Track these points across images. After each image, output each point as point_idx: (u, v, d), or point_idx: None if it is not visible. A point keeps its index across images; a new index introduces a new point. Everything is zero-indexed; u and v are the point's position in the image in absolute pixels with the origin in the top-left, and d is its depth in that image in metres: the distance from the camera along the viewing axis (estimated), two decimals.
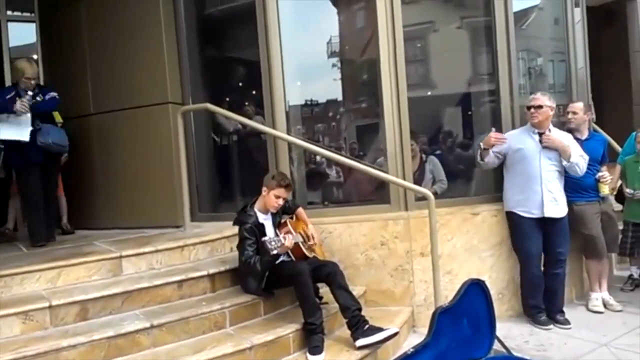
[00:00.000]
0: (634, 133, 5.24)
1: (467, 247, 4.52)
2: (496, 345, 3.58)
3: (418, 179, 4.89)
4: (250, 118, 5.09)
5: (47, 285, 3.60)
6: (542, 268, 4.46)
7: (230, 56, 5.93)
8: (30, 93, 4.52)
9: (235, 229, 3.88)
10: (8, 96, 4.54)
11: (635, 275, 5.27)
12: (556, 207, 4.34)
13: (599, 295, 4.74)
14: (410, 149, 4.62)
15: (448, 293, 4.06)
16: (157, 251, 4.03)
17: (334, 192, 5.60)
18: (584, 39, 5.82)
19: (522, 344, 4.07)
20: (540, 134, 4.34)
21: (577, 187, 4.54)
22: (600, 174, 4.62)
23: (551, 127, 4.43)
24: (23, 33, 6.52)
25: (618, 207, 5.19)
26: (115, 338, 3.16)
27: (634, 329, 4.20)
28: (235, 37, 5.69)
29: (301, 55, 5.28)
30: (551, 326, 4.36)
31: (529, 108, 4.42)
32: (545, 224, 4.36)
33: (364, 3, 5.19)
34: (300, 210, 4.20)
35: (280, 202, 3.85)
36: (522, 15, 5.46)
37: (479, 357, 3.45)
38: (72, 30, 5.58)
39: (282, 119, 4.79)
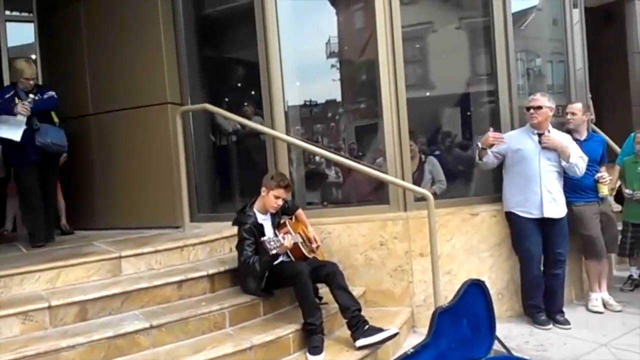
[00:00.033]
0: (632, 134, 5.25)
1: (466, 248, 4.52)
2: (496, 346, 3.58)
3: (417, 180, 4.90)
4: (249, 118, 5.09)
5: (46, 285, 3.59)
6: (542, 268, 4.46)
7: (229, 56, 5.93)
8: (32, 96, 4.52)
9: (235, 230, 3.87)
10: (7, 95, 4.54)
11: (635, 276, 5.28)
12: (555, 207, 4.34)
13: (599, 296, 4.75)
14: (409, 149, 4.63)
15: (447, 293, 4.07)
16: (156, 251, 4.03)
17: (333, 192, 5.59)
18: (583, 40, 5.82)
19: (522, 344, 4.07)
20: (540, 135, 4.34)
21: (576, 188, 4.55)
22: (599, 174, 4.62)
23: (550, 127, 4.44)
24: (21, 33, 6.52)
25: (617, 207, 5.20)
26: (115, 338, 3.15)
27: (634, 329, 4.20)
28: (234, 38, 5.69)
29: (300, 56, 5.28)
30: (551, 326, 4.36)
31: (528, 109, 4.42)
32: (545, 224, 4.36)
33: (362, 3, 5.19)
34: (299, 211, 4.19)
35: (280, 202, 3.84)
36: (520, 15, 5.47)
37: (479, 357, 3.45)
38: (71, 31, 5.57)
39: (281, 119, 4.79)
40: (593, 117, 6.93)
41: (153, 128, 5.12)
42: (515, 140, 4.45)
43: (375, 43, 4.62)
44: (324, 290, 3.84)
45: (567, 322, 4.38)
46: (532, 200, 4.33)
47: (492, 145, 4.41)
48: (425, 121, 5.55)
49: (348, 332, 3.57)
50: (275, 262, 3.72)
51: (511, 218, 4.48)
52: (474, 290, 3.55)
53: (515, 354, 3.69)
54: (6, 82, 5.70)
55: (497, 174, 4.70)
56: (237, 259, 3.81)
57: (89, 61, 5.46)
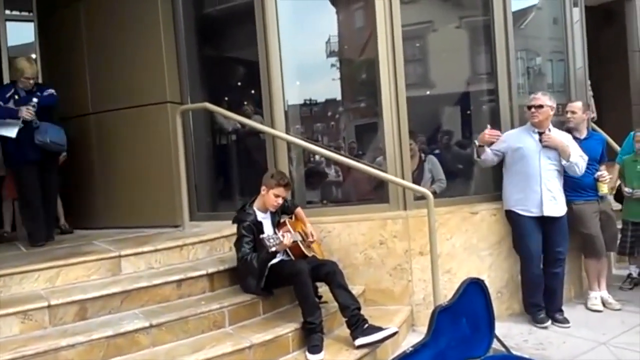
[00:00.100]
0: (632, 132, 5.25)
1: (466, 246, 4.52)
2: (495, 344, 3.58)
3: (417, 178, 4.89)
4: (249, 117, 5.09)
5: (46, 284, 3.59)
6: (542, 267, 4.46)
7: (228, 56, 5.93)
8: (35, 100, 4.51)
9: (234, 228, 3.87)
10: (7, 95, 4.54)
11: (634, 274, 5.28)
12: (555, 206, 4.34)
13: (598, 294, 4.75)
14: (409, 148, 4.62)
15: (447, 292, 4.07)
16: (156, 250, 4.03)
17: (333, 191, 5.59)
18: (583, 39, 5.81)
19: (521, 342, 4.08)
20: (540, 134, 4.34)
21: (576, 187, 4.55)
22: (599, 173, 4.62)
23: (551, 126, 4.44)
24: (21, 32, 6.52)
25: (617, 206, 5.20)
26: (114, 337, 3.16)
27: (633, 327, 4.20)
28: (234, 37, 5.69)
29: (300, 55, 5.28)
30: (551, 324, 4.36)
31: (529, 108, 4.42)
32: (545, 223, 4.37)
33: (362, 2, 5.18)
34: (299, 210, 4.20)
35: (280, 201, 3.85)
36: (520, 14, 5.47)
37: (478, 355, 3.45)
38: (71, 30, 5.57)
39: (281, 118, 4.79)
40: (594, 115, 6.94)
41: (153, 127, 5.12)
42: (516, 139, 4.46)
43: (375, 42, 4.62)
44: (323, 289, 3.85)
45: (566, 321, 4.38)
46: (532, 198, 4.33)
47: (491, 144, 4.41)
48: (425, 120, 5.55)
49: (347, 331, 3.58)
50: (275, 261, 3.73)
51: (511, 216, 4.48)
52: (474, 289, 3.55)
53: (514, 352, 3.69)
54: (6, 82, 5.70)
55: (497, 172, 4.70)
56: (236, 258, 3.81)
57: (88, 60, 5.46)
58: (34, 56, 6.08)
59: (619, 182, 5.21)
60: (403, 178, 4.50)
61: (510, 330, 4.26)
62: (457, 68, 5.49)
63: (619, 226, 5.05)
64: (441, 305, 3.38)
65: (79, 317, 3.35)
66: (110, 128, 5.35)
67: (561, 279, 4.51)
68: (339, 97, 5.82)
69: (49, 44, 6.10)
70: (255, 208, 3.85)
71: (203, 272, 3.84)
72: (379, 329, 3.55)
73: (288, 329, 3.53)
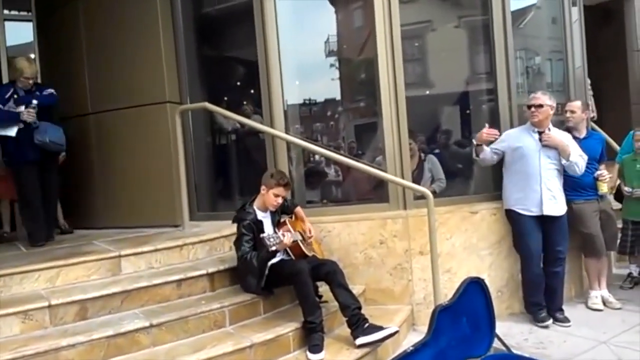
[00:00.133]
0: (631, 132, 5.26)
1: (466, 246, 4.52)
2: (496, 343, 3.59)
3: (417, 178, 4.90)
4: (248, 117, 5.09)
5: (46, 284, 3.59)
6: (542, 266, 4.46)
7: (228, 55, 5.92)
8: (35, 102, 4.50)
9: (234, 228, 3.87)
10: (6, 95, 4.54)
11: (635, 273, 5.28)
12: (555, 205, 4.35)
13: (599, 293, 4.75)
14: (408, 147, 4.62)
15: (447, 291, 4.07)
16: (156, 250, 4.03)
17: (333, 191, 5.59)
18: (582, 38, 5.82)
19: (522, 341, 4.08)
20: (540, 133, 4.34)
21: (575, 186, 4.55)
22: (598, 172, 4.62)
23: (551, 126, 4.44)
24: (20, 32, 6.52)
25: (617, 205, 5.20)
26: (115, 337, 3.16)
27: (633, 326, 4.21)
28: (233, 36, 5.69)
29: (299, 55, 5.28)
30: (551, 323, 4.35)
31: (529, 107, 4.42)
32: (545, 222, 4.37)
33: (361, 2, 5.18)
34: (298, 209, 4.20)
35: (280, 200, 3.85)
36: (519, 14, 5.47)
37: (479, 355, 3.45)
38: (70, 30, 5.57)
39: (281, 118, 4.79)
40: (595, 114, 6.94)
41: (152, 127, 5.12)
42: (516, 138, 4.46)
43: (375, 41, 4.62)
44: (323, 288, 3.85)
45: (566, 320, 4.38)
46: (532, 197, 4.34)
47: (491, 142, 4.42)
48: (424, 120, 5.55)
49: (348, 331, 3.58)
50: (275, 261, 3.73)
51: (511, 216, 4.48)
52: (474, 289, 3.55)
53: (515, 351, 3.69)
54: (5, 82, 5.69)
55: (497, 172, 4.70)
56: (236, 257, 3.81)
57: (88, 60, 5.46)
58: (33, 56, 6.07)
59: (618, 181, 5.22)
60: (403, 177, 4.50)
61: (510, 330, 4.26)
62: (456, 67, 5.50)
63: (619, 225, 5.05)
64: (441, 305, 3.38)
65: (79, 317, 3.35)
66: (109, 128, 5.35)
67: (561, 278, 4.51)
68: (338, 97, 5.82)
69: (48, 44, 6.10)
70: (255, 207, 3.85)
71: (203, 271, 3.84)
72: (380, 328, 3.55)
73: (289, 329, 3.53)
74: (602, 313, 4.61)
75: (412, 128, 4.77)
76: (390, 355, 3.64)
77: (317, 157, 5.46)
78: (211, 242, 4.34)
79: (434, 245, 4.04)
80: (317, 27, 5.47)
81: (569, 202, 4.50)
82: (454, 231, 4.49)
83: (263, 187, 3.84)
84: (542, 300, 4.43)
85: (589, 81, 6.62)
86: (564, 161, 4.31)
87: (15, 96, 4.55)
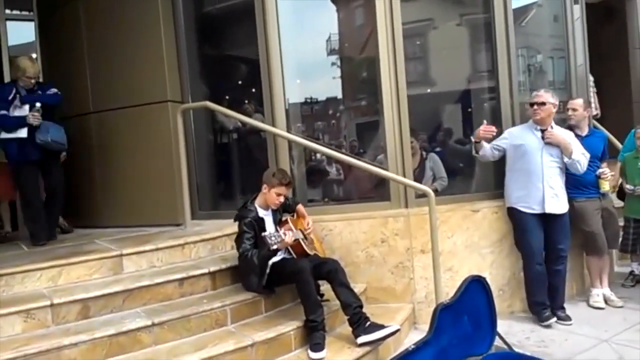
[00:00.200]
0: (633, 130, 5.25)
1: (467, 244, 4.52)
2: (497, 342, 3.58)
3: (418, 176, 4.90)
4: (250, 116, 5.09)
5: (48, 283, 3.59)
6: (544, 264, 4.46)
7: (229, 54, 5.93)
8: (38, 104, 4.51)
9: (236, 227, 3.86)
10: (9, 97, 4.54)
11: (636, 271, 5.27)
12: (557, 203, 4.34)
13: (600, 292, 4.75)
14: (410, 146, 4.62)
15: (449, 290, 4.07)
16: (157, 249, 4.03)
17: (334, 189, 5.60)
18: (584, 36, 5.81)
19: (523, 340, 4.08)
20: (543, 131, 4.33)
21: (577, 184, 4.54)
22: (600, 170, 4.62)
23: (553, 124, 4.43)
24: (22, 32, 6.53)
25: (619, 203, 5.19)
26: (117, 336, 3.16)
27: (635, 324, 4.20)
28: (234, 35, 5.69)
29: (300, 53, 5.29)
30: (554, 321, 4.33)
31: (531, 105, 4.41)
32: (546, 220, 4.36)
33: (362, 0, 5.19)
34: (299, 206, 4.20)
35: (281, 199, 3.85)
36: (521, 12, 5.47)
37: (480, 353, 3.44)
38: (71, 29, 5.58)
39: (282, 116, 4.78)
40: (598, 112, 6.93)
41: (154, 126, 5.12)
42: (518, 136, 4.45)
43: (376, 40, 4.61)
44: (325, 287, 3.85)
45: (568, 318, 4.38)
46: (534, 195, 4.33)
47: (491, 140, 4.41)
48: (426, 118, 5.55)
49: (349, 329, 3.58)
50: (277, 260, 3.73)
51: (513, 214, 4.48)
52: (475, 287, 3.55)
53: (516, 350, 3.68)
54: (7, 81, 5.70)
55: (498, 170, 4.70)
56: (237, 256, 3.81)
57: (89, 59, 5.46)
58: (34, 55, 6.08)
59: (620, 179, 5.21)
60: (404, 176, 4.50)
61: (511, 328, 4.26)
62: (457, 66, 5.50)
63: (621, 223, 5.05)
64: (443, 303, 3.38)
65: (81, 315, 3.35)
66: (111, 127, 5.35)
67: (563, 276, 4.50)
68: (339, 96, 5.83)
69: (49, 44, 6.10)
70: (256, 205, 3.85)
71: (205, 270, 3.84)
72: (381, 326, 3.56)
73: (290, 327, 3.53)
74: (603, 311, 4.61)
75: (414, 126, 4.78)
76: (391, 353, 3.64)
77: (318, 155, 5.47)
78: (213, 240, 4.34)
79: (436, 244, 4.05)
80: (319, 26, 5.47)
81: (570, 200, 4.50)
82: (455, 229, 4.49)
83: (265, 185, 3.84)
84: (546, 300, 4.41)
85: (592, 78, 6.62)
86: (566, 159, 4.31)
87: (18, 96, 4.55)
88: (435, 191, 4.49)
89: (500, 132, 4.67)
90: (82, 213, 5.61)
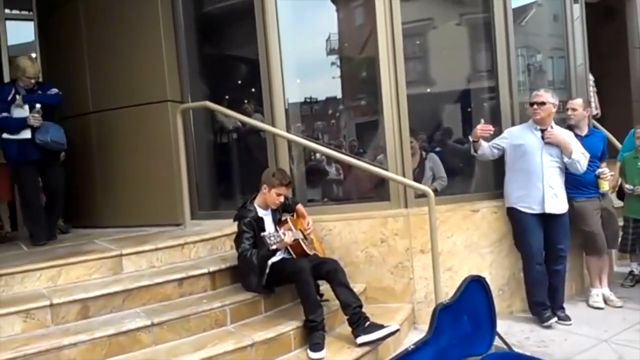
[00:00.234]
0: (633, 130, 5.25)
1: (467, 244, 4.52)
2: (497, 342, 3.58)
3: (418, 176, 4.91)
4: (249, 116, 5.10)
5: (47, 283, 3.59)
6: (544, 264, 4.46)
7: (229, 54, 5.93)
8: (38, 106, 4.51)
9: (236, 227, 3.86)
10: (9, 97, 4.54)
11: (636, 272, 5.28)
12: (557, 203, 4.34)
13: (600, 291, 4.75)
14: (409, 146, 4.62)
15: (448, 290, 4.08)
16: (157, 249, 4.03)
17: (334, 189, 5.60)
18: (583, 36, 5.81)
19: (523, 340, 4.08)
20: (543, 130, 4.33)
21: (577, 184, 4.54)
22: (600, 170, 4.61)
23: (553, 124, 4.43)
24: (21, 31, 6.52)
25: (618, 203, 5.20)
26: (116, 336, 3.16)
27: (634, 324, 4.20)
28: (234, 35, 5.69)
29: (300, 53, 5.29)
30: (555, 322, 4.32)
31: (531, 104, 4.41)
32: (546, 220, 4.36)
33: (362, 0, 5.18)
34: (299, 206, 4.20)
35: (281, 199, 3.85)
36: (521, 11, 5.47)
37: (480, 353, 3.44)
38: (71, 29, 5.57)
39: (282, 116, 4.78)
40: (599, 112, 6.93)
41: (153, 126, 5.12)
42: (518, 136, 4.45)
43: (376, 40, 4.61)
44: (325, 287, 3.84)
45: (567, 318, 4.38)
46: (534, 195, 4.33)
47: (489, 139, 4.42)
48: (426, 118, 5.55)
49: (349, 329, 3.58)
50: (276, 260, 3.73)
51: (513, 214, 4.47)
52: (475, 287, 3.54)
53: (516, 350, 3.68)
54: (7, 81, 5.70)
55: (498, 170, 4.70)
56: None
57: (89, 59, 5.46)
58: (34, 55, 6.07)
59: (620, 180, 5.20)
60: (404, 176, 4.50)
61: (511, 328, 4.26)
62: (457, 65, 5.50)
63: (620, 223, 5.05)
64: (442, 303, 3.37)
65: (81, 315, 3.35)
66: (110, 127, 5.35)
67: (563, 276, 4.50)
68: (339, 95, 5.83)
69: (48, 43, 6.10)
70: (256, 205, 3.85)
71: (204, 270, 3.84)
72: (381, 326, 3.56)
73: (290, 327, 3.53)
74: (603, 311, 4.61)
75: (414, 126, 4.77)
76: (391, 353, 3.64)
77: (318, 155, 5.47)
78: (212, 240, 4.34)
79: (435, 244, 4.05)
80: (318, 26, 5.47)
81: (570, 199, 4.50)
82: (455, 229, 4.49)
83: (265, 186, 3.83)
84: (546, 300, 4.40)
85: (592, 78, 6.62)
86: (566, 159, 4.30)
87: (18, 96, 4.55)
88: (435, 191, 4.49)
89: (499, 132, 4.67)
90: (82, 213, 5.61)
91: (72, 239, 4.91)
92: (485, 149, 4.46)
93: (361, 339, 3.50)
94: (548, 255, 4.44)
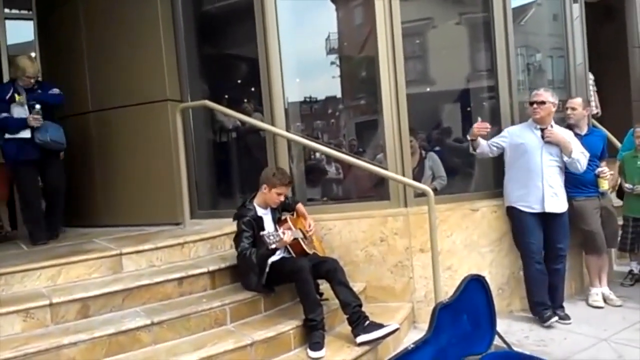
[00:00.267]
0: (632, 129, 5.25)
1: (466, 243, 4.52)
2: (496, 341, 3.59)
3: (417, 175, 4.90)
4: (249, 115, 5.09)
5: (47, 283, 3.59)
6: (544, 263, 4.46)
7: (228, 53, 5.92)
8: (38, 106, 4.51)
9: (235, 226, 3.87)
10: (7, 96, 4.54)
11: (635, 271, 5.28)
12: (557, 202, 4.34)
13: (599, 291, 4.75)
14: (409, 145, 4.62)
15: (448, 289, 4.08)
16: (157, 248, 4.03)
17: (334, 188, 5.61)
18: (583, 35, 5.81)
19: (523, 339, 4.08)
20: (542, 130, 4.33)
21: (576, 183, 4.54)
22: (599, 169, 4.61)
23: (553, 123, 4.43)
24: (21, 31, 6.52)
25: (618, 202, 5.20)
26: (116, 335, 3.16)
27: (634, 323, 4.21)
28: (234, 34, 5.68)
29: (300, 52, 5.29)
30: (555, 321, 4.31)
31: (531, 104, 4.41)
32: (546, 219, 4.36)
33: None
34: (299, 206, 4.20)
35: (282, 198, 3.86)
36: (520, 11, 5.47)
37: (480, 352, 3.45)
38: (70, 28, 5.57)
39: (281, 116, 4.78)
40: (599, 111, 6.93)
41: (153, 125, 5.12)
42: (518, 135, 4.45)
43: (375, 39, 4.61)
44: (324, 286, 3.84)
45: (567, 317, 4.38)
46: (534, 194, 4.33)
47: (488, 137, 4.43)
48: (425, 117, 5.56)
49: (349, 328, 3.58)
50: (276, 259, 3.73)
51: (512, 213, 4.47)
52: (475, 286, 3.55)
53: (515, 349, 3.69)
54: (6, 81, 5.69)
55: (497, 169, 4.70)
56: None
57: (88, 58, 5.46)
58: (33, 55, 6.07)
59: (619, 180, 5.20)
60: (403, 175, 4.50)
61: (511, 327, 4.26)
62: (457, 65, 5.50)
63: (620, 222, 5.05)
64: (442, 302, 3.38)
65: (80, 315, 3.35)
66: (110, 126, 5.35)
67: (562, 275, 4.50)
68: (339, 95, 5.83)
69: (48, 43, 6.10)
70: (255, 204, 3.85)
71: (204, 269, 3.84)
72: (380, 326, 3.56)
73: (289, 326, 3.54)
74: (602, 310, 4.61)
75: (413, 125, 4.77)
76: (390, 352, 3.65)
77: (317, 154, 5.47)
78: (212, 240, 4.34)
79: (435, 243, 4.04)
80: (318, 25, 5.47)
81: (569, 199, 4.50)
82: (454, 229, 4.49)
83: (265, 186, 3.83)
84: (547, 300, 4.39)
85: (592, 77, 6.62)
86: (565, 158, 4.31)
87: (17, 95, 4.55)
88: (435, 190, 4.48)
89: (499, 131, 4.67)
90: (81, 212, 5.60)
91: (72, 238, 4.90)
92: (484, 147, 4.46)
93: (361, 338, 3.50)
94: (547, 255, 4.44)
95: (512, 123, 4.77)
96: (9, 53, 6.24)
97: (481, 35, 5.21)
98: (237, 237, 3.73)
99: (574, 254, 4.80)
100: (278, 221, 3.94)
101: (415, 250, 4.39)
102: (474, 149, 4.49)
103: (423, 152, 5.19)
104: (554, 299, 4.45)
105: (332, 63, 5.62)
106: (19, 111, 4.53)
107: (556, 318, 4.32)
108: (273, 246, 3.47)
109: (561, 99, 5.00)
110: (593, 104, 6.69)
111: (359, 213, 4.54)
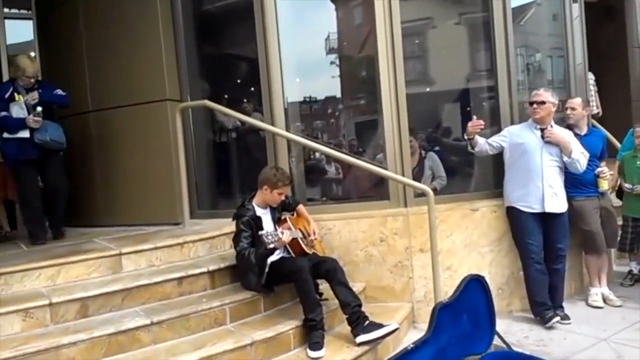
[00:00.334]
0: (632, 129, 5.25)
1: (466, 243, 4.52)
2: (496, 341, 3.59)
3: (417, 175, 4.90)
4: (249, 115, 5.09)
5: (47, 282, 3.59)
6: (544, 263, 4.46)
7: (228, 53, 5.92)
8: (39, 108, 4.51)
9: (235, 226, 3.87)
10: (6, 95, 4.53)
11: (635, 271, 5.28)
12: (557, 202, 4.34)
13: (599, 291, 4.75)
14: (409, 145, 4.62)
15: (448, 289, 4.08)
16: (156, 248, 4.03)
17: (333, 188, 5.60)
18: (583, 35, 5.81)
19: (522, 339, 4.08)
20: (542, 130, 4.33)
21: (576, 183, 4.54)
22: (599, 169, 4.61)
23: (553, 123, 4.43)
24: (20, 30, 6.52)
25: (617, 202, 5.20)
26: (116, 335, 3.16)
27: (634, 323, 4.21)
28: (233, 34, 5.68)
29: (299, 52, 5.28)
30: (557, 321, 4.30)
31: (531, 104, 4.41)
32: (546, 219, 4.36)
33: None
34: (300, 207, 4.20)
35: (282, 197, 3.86)
36: (520, 11, 5.47)
37: (479, 352, 3.45)
38: (70, 28, 5.57)
39: (281, 115, 4.78)
40: (599, 111, 6.93)
41: (153, 125, 5.12)
42: (518, 135, 4.45)
43: (375, 39, 4.61)
44: (324, 286, 3.84)
45: (567, 317, 4.37)
46: (534, 194, 4.32)
47: (488, 136, 4.43)
48: (425, 117, 5.56)
49: (348, 328, 3.58)
50: (275, 259, 3.73)
51: (512, 213, 4.47)
52: (474, 286, 3.55)
53: (515, 349, 3.69)
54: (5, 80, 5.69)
55: (497, 169, 4.70)
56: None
57: (88, 58, 5.46)
58: (33, 54, 6.07)
59: (619, 180, 5.20)
60: (403, 175, 4.50)
61: (510, 327, 4.26)
62: (456, 65, 5.50)
63: (620, 222, 5.05)
64: (442, 302, 3.38)
65: (80, 314, 3.35)
66: (110, 126, 5.35)
67: (562, 275, 4.50)
68: (338, 95, 5.82)
69: (48, 42, 6.09)
70: (254, 204, 3.85)
71: (204, 269, 3.83)
72: (380, 325, 3.56)
73: (289, 326, 3.53)
74: (602, 310, 4.61)
75: (413, 125, 4.77)
76: (390, 352, 3.65)
77: (317, 154, 5.47)
78: (212, 240, 4.34)
79: (435, 243, 4.04)
80: (318, 25, 5.47)
81: (569, 199, 4.49)
82: (454, 228, 4.49)
83: (266, 186, 3.81)
84: (547, 300, 4.38)
85: (593, 77, 6.62)
86: (565, 158, 4.30)
87: (16, 94, 4.54)
88: (435, 190, 4.49)
89: (498, 131, 4.68)
90: (81, 212, 5.60)
91: (71, 237, 4.89)
92: (482, 145, 4.47)
93: (360, 338, 3.50)
94: (547, 255, 4.44)
95: (512, 123, 4.77)
96: (9, 53, 6.24)
97: (481, 35, 5.21)
98: (236, 237, 3.73)
99: (573, 254, 4.80)
100: (278, 221, 3.93)
101: (415, 250, 4.39)
102: (472, 148, 4.49)
103: (423, 152, 5.19)
104: (554, 299, 4.44)
105: (332, 63, 5.62)
106: (18, 111, 4.53)
107: (558, 318, 4.31)
108: (271, 246, 3.47)
109: (561, 99, 4.99)
110: (593, 104, 6.70)
111: (358, 213, 4.54)
